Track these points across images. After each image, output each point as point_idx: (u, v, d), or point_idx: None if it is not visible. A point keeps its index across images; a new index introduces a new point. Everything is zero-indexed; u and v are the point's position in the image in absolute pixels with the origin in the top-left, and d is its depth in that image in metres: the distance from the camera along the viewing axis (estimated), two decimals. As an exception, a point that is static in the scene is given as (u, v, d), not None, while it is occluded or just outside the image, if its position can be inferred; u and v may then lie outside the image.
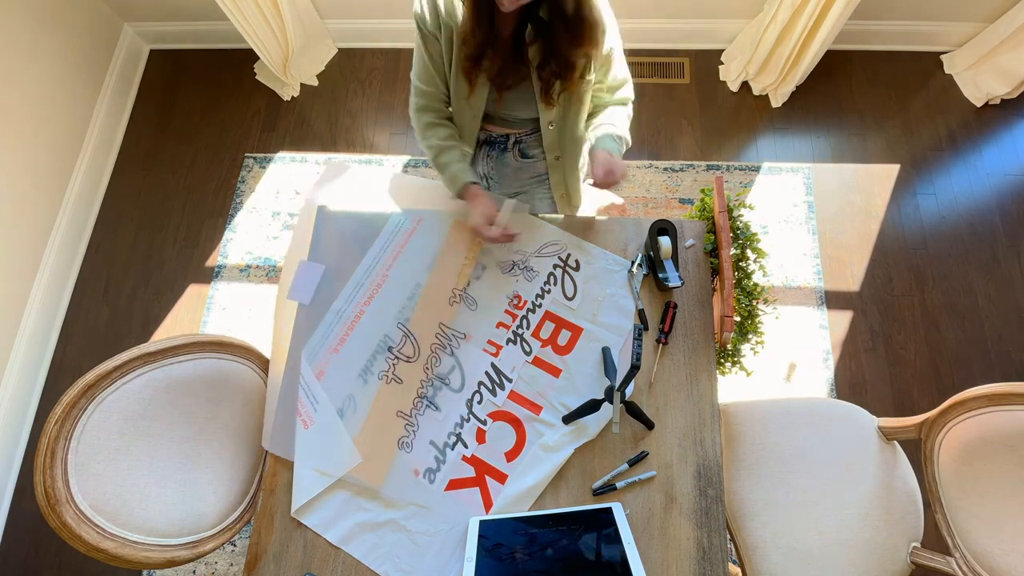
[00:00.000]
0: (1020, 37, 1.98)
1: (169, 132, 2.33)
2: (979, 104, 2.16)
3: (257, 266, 2.10)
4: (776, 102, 2.21)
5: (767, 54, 2.06)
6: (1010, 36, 1.99)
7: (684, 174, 2.14)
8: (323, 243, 1.28)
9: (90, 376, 0.96)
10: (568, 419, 1.11)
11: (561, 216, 1.30)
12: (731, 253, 1.14)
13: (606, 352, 1.14)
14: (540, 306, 1.21)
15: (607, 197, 1.79)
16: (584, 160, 1.36)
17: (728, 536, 1.12)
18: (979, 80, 2.15)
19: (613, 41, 1.13)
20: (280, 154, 2.26)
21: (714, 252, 1.22)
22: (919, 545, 1.18)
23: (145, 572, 1.78)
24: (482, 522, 1.03)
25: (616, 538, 0.95)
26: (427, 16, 1.08)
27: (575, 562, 0.94)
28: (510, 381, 1.16)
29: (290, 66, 2.27)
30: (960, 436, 1.10)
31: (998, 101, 2.15)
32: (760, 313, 1.20)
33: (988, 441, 1.06)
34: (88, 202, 2.19)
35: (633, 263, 1.22)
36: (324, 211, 1.29)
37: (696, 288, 1.21)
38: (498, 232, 1.14)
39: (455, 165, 1.20)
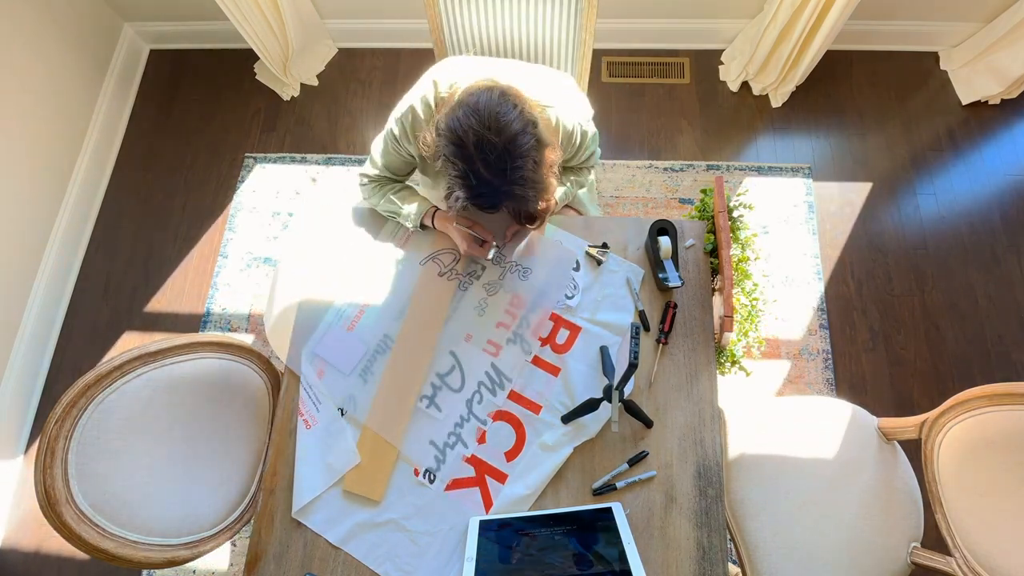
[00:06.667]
0: (1014, 36, 1.97)
1: (169, 132, 2.32)
2: (966, 102, 2.16)
3: (257, 266, 2.10)
4: (776, 102, 2.21)
5: (767, 54, 2.05)
6: (1004, 35, 1.98)
7: (684, 174, 2.14)
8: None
9: (90, 376, 0.96)
10: (567, 418, 1.11)
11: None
12: (731, 253, 1.14)
13: (604, 351, 1.14)
14: (540, 305, 1.21)
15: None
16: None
17: (728, 536, 1.12)
18: (973, 79, 2.15)
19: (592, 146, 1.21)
20: (280, 154, 2.26)
21: (714, 252, 1.22)
22: (919, 545, 1.18)
23: (145, 572, 1.78)
24: (482, 522, 1.03)
25: (616, 538, 0.95)
26: (406, 140, 1.13)
27: (575, 562, 0.94)
28: (510, 381, 1.16)
29: (290, 66, 2.26)
30: (960, 436, 1.10)
31: (997, 101, 2.15)
32: (760, 314, 1.20)
33: (988, 441, 1.06)
34: (88, 202, 2.19)
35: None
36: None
37: (696, 288, 1.21)
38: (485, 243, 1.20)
39: (413, 196, 1.24)
